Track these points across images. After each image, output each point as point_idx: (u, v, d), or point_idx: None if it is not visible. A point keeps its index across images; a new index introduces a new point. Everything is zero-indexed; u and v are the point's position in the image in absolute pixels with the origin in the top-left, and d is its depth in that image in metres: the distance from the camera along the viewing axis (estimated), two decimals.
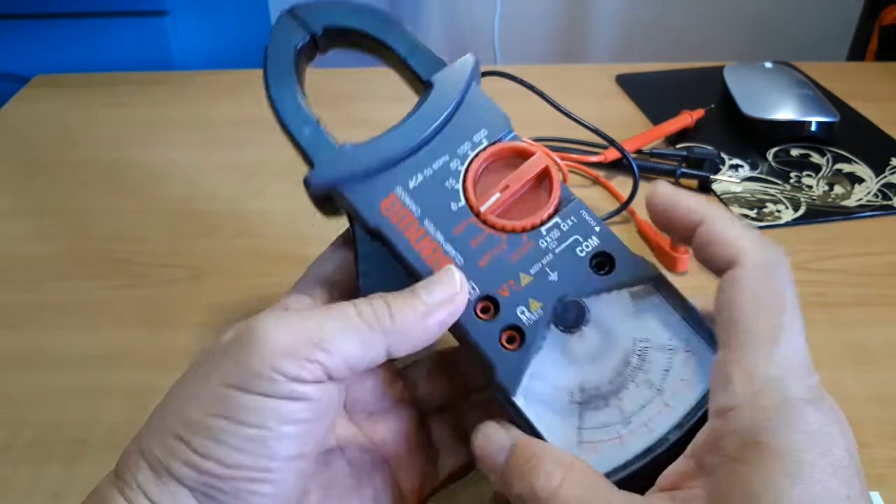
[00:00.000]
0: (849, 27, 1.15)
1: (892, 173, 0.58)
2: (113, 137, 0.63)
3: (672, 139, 0.62)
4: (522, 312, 0.25)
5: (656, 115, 0.65)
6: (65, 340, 0.42)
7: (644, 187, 0.54)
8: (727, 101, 0.65)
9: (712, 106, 0.65)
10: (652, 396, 0.24)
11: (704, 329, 0.25)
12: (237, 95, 0.70)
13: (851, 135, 0.62)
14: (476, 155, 0.28)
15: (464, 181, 0.27)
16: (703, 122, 0.63)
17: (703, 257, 0.24)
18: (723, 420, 0.21)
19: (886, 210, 0.53)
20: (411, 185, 0.27)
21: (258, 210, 0.53)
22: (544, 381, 0.25)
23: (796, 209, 0.53)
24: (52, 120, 0.66)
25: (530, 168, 0.27)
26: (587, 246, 0.26)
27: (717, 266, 0.23)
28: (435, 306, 0.24)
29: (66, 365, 0.40)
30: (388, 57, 0.30)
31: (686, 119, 0.62)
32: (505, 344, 0.25)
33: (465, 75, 0.28)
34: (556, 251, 0.26)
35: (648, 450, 0.24)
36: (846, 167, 0.58)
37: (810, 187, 0.56)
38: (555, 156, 0.52)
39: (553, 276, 0.26)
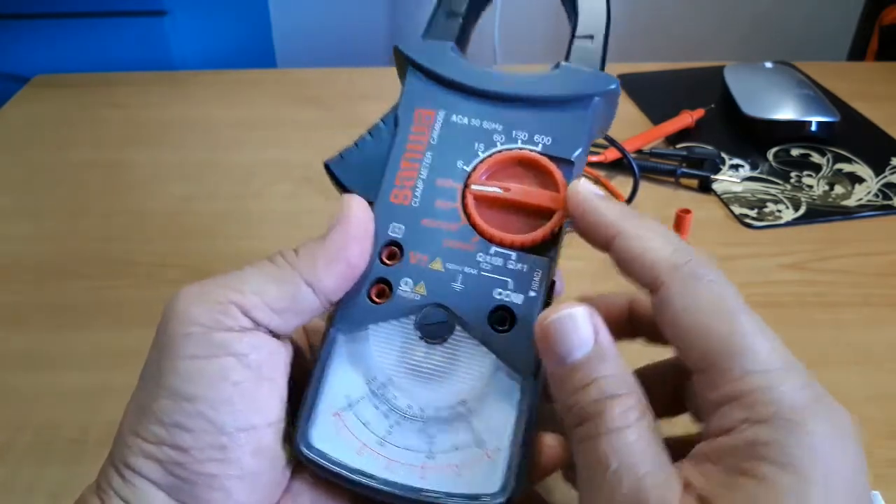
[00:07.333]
0: (849, 27, 1.15)
1: (893, 173, 0.58)
2: (112, 137, 0.63)
3: (672, 139, 0.62)
4: (406, 283, 0.24)
5: (656, 114, 0.65)
6: (65, 340, 0.42)
7: (645, 187, 0.54)
8: (727, 101, 0.65)
9: (712, 106, 0.65)
10: (420, 448, 0.23)
11: (523, 452, 0.23)
12: (236, 95, 0.70)
13: (852, 135, 0.62)
14: (520, 148, 0.26)
15: (487, 156, 0.26)
16: (703, 122, 0.63)
17: (623, 272, 0.23)
18: (722, 439, 0.20)
19: (887, 210, 0.53)
20: (452, 118, 0.26)
21: (257, 210, 0.53)
22: (366, 349, 0.24)
23: (797, 209, 0.53)
24: (52, 120, 0.66)
25: (543, 199, 0.25)
26: (506, 297, 0.24)
27: (641, 285, 0.22)
28: (333, 229, 0.23)
29: (66, 365, 0.40)
30: (571, 18, 0.29)
31: (686, 119, 0.62)
32: (373, 291, 0.24)
33: (590, 86, 0.26)
34: (481, 273, 0.24)
35: (371, 477, 0.23)
36: (846, 167, 0.58)
37: (811, 187, 0.56)
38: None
39: (457, 287, 0.24)
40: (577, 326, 0.21)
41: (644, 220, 0.23)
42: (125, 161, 0.60)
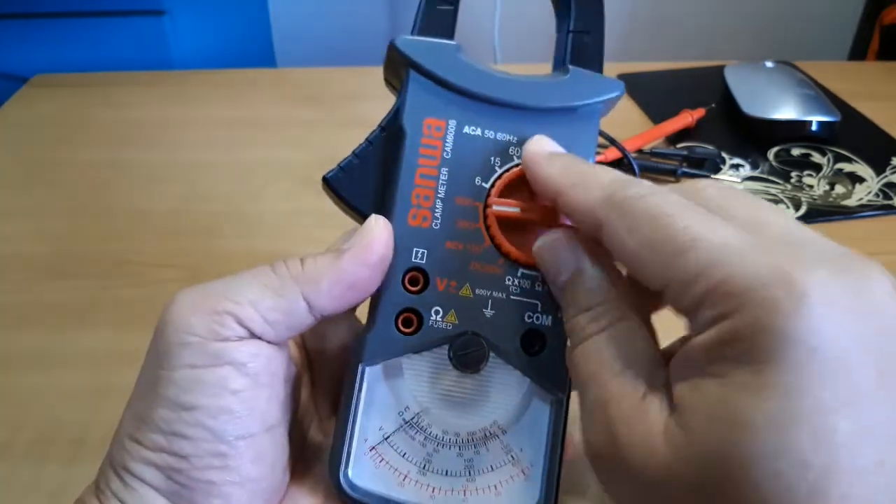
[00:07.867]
0: (850, 26, 1.15)
1: (893, 173, 0.57)
2: (112, 137, 0.63)
3: (673, 139, 0.62)
4: (437, 313, 0.23)
5: (657, 114, 0.65)
6: (65, 340, 0.42)
7: None
8: (728, 101, 0.65)
9: (713, 105, 0.65)
10: (460, 472, 0.23)
11: (555, 472, 0.23)
12: (235, 95, 0.70)
13: (852, 134, 0.62)
14: None
15: (505, 171, 0.24)
16: (703, 122, 0.63)
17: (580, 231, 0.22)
18: (694, 340, 0.18)
19: (887, 210, 0.53)
20: (465, 129, 0.24)
21: (256, 211, 0.53)
22: (398, 381, 0.24)
23: (797, 209, 0.53)
24: (51, 120, 0.66)
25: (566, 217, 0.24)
26: (536, 320, 0.24)
27: (593, 235, 0.21)
28: (348, 251, 0.22)
29: (65, 365, 0.40)
30: (562, 14, 0.28)
31: (687, 118, 0.62)
32: (400, 321, 0.23)
33: (600, 93, 0.25)
34: (511, 297, 0.24)
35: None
36: (847, 167, 0.58)
37: (811, 187, 0.56)
38: None
39: (488, 313, 0.24)
40: (560, 251, 0.22)
41: (582, 168, 0.22)
42: (125, 161, 0.59)
